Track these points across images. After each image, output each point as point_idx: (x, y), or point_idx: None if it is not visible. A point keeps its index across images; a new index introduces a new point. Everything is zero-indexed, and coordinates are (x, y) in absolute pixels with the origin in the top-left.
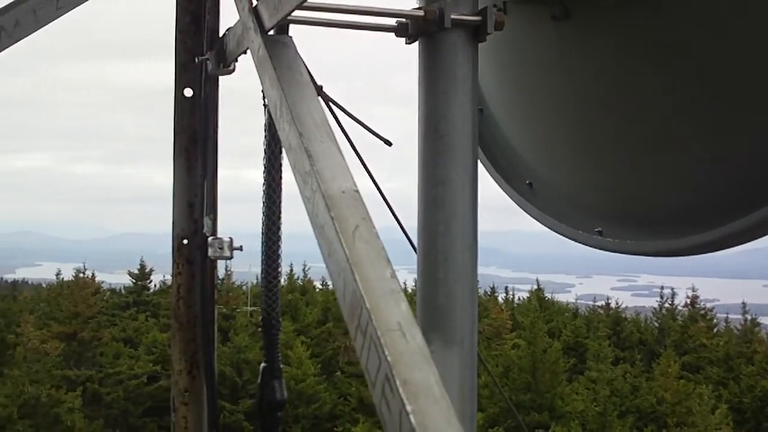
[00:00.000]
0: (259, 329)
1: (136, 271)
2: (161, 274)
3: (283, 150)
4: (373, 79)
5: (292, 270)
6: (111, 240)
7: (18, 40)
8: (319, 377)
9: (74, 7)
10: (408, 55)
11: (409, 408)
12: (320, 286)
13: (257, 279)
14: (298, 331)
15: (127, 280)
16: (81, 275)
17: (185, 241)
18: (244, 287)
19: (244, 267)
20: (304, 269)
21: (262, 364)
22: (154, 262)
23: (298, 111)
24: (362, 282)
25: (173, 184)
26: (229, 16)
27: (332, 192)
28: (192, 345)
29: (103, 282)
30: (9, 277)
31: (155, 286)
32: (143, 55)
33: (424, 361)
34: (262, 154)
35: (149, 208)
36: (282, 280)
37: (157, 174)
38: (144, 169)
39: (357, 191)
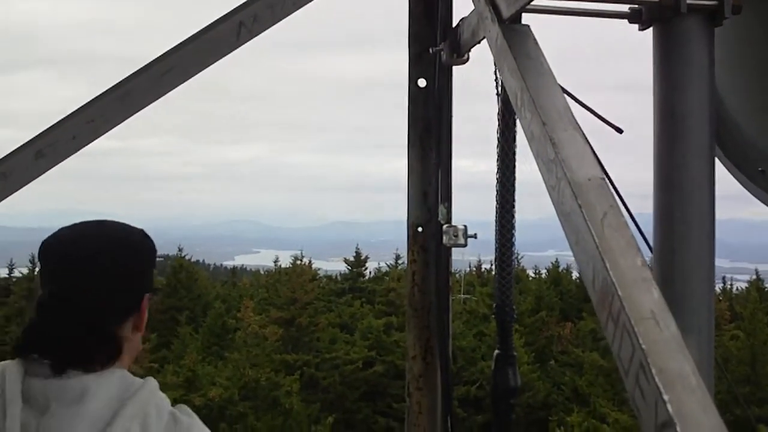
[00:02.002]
0: (493, 315)
1: (352, 259)
2: (375, 262)
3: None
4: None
5: None
6: (326, 228)
7: (256, 35)
8: (532, 365)
9: (310, 1)
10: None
11: (665, 397)
12: (533, 275)
13: (469, 266)
14: None
15: (342, 267)
16: (298, 262)
17: (420, 229)
18: (458, 275)
19: (457, 254)
20: (516, 257)
21: (496, 351)
22: (368, 249)
23: (540, 100)
24: (613, 270)
25: (407, 173)
26: (461, 7)
27: (579, 180)
28: (426, 331)
29: (319, 269)
30: (228, 263)
31: (370, 273)
32: (359, 47)
33: (678, 349)
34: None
35: (363, 197)
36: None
37: (371, 164)
38: (357, 159)
39: (603, 179)
